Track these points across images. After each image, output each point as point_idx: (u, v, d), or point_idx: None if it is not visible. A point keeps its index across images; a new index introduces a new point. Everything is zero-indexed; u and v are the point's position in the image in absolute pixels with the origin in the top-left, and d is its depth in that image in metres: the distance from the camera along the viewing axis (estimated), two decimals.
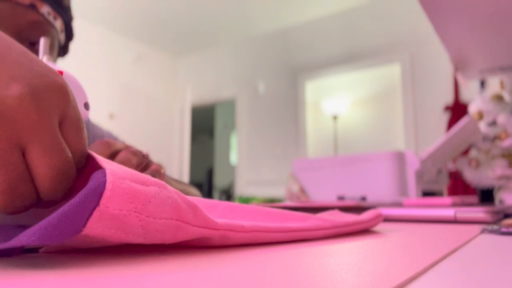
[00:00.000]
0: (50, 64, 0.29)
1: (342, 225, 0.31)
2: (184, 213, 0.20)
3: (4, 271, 0.15)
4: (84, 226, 0.16)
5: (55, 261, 0.18)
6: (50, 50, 0.58)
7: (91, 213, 0.16)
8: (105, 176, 0.17)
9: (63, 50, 0.66)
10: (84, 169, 0.21)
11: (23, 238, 0.16)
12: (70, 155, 0.19)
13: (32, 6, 0.54)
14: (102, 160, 0.19)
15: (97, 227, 0.17)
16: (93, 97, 3.91)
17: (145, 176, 0.19)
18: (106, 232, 0.17)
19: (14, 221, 0.21)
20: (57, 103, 0.19)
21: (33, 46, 0.55)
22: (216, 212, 0.28)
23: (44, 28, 0.56)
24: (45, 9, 0.56)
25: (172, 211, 0.19)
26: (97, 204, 0.16)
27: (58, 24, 0.59)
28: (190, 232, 0.20)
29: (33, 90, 0.18)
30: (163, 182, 0.20)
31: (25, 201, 0.18)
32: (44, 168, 0.18)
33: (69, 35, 0.65)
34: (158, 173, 0.36)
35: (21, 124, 0.17)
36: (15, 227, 0.19)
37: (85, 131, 0.21)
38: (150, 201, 0.18)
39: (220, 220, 0.22)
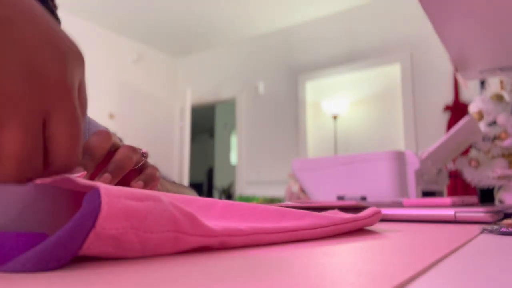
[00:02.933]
0: None
1: (339, 222, 0.30)
2: (181, 224, 0.19)
3: (2, 271, 0.15)
4: (80, 248, 0.16)
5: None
6: None
7: (87, 235, 0.16)
8: (99, 196, 0.17)
9: None
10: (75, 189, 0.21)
11: (17, 266, 0.15)
12: (82, 125, 0.19)
13: None
14: (90, 183, 0.18)
15: (93, 248, 0.16)
16: (93, 97, 3.91)
17: (139, 191, 0.19)
18: (103, 250, 0.17)
19: (15, 226, 0.21)
20: (78, 71, 0.19)
21: None
22: (213, 212, 0.28)
23: None
24: None
25: (169, 223, 0.19)
26: (93, 226, 0.16)
27: None
28: (189, 242, 0.20)
29: (63, 57, 0.18)
30: (158, 196, 0.19)
31: (35, 174, 0.18)
32: (63, 138, 0.18)
33: None
34: (153, 177, 0.35)
35: (51, 90, 0.17)
36: (15, 236, 0.19)
37: (87, 97, 0.21)
38: (146, 218, 0.18)
39: (217, 226, 0.22)
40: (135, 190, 0.19)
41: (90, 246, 0.16)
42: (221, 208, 0.29)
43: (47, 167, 0.19)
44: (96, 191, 0.17)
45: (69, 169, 0.19)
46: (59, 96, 0.17)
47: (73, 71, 0.18)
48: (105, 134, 0.32)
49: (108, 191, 0.17)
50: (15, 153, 0.17)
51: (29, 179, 0.18)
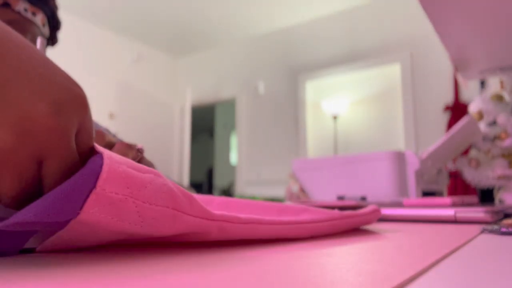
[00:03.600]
0: None
1: (338, 217, 0.30)
2: (180, 202, 0.20)
3: (2, 271, 0.15)
4: (81, 208, 0.16)
5: (52, 261, 0.18)
6: None
7: (87, 195, 0.16)
8: (102, 159, 0.17)
9: (51, 40, 0.63)
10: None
11: (19, 216, 0.16)
12: (78, 160, 0.20)
13: (6, 5, 0.52)
14: (99, 147, 0.19)
15: (93, 212, 0.17)
16: (93, 97, 3.91)
17: (140, 165, 0.19)
18: (103, 218, 0.17)
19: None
20: (77, 116, 0.19)
21: None
22: (211, 207, 0.28)
23: (22, 27, 0.53)
24: (21, 6, 0.53)
25: (168, 198, 0.19)
26: (94, 186, 0.16)
27: (39, 19, 0.56)
28: (187, 222, 0.20)
29: (58, 108, 0.18)
30: (158, 171, 0.20)
31: (31, 198, 0.19)
32: (56, 176, 0.19)
33: (55, 25, 0.62)
34: (152, 166, 0.36)
35: (44, 141, 0.18)
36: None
37: (93, 136, 0.21)
38: (146, 187, 0.18)
39: (216, 212, 0.22)
40: (136, 163, 0.19)
41: (90, 208, 0.16)
42: (220, 202, 0.29)
43: None
44: (99, 154, 0.18)
45: None
46: (53, 144, 0.18)
47: (68, 117, 0.19)
48: (98, 134, 0.33)
49: (111, 156, 0.18)
50: (12, 198, 0.18)
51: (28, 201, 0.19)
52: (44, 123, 0.18)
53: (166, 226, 0.19)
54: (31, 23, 0.55)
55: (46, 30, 0.60)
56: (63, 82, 0.19)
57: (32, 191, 0.18)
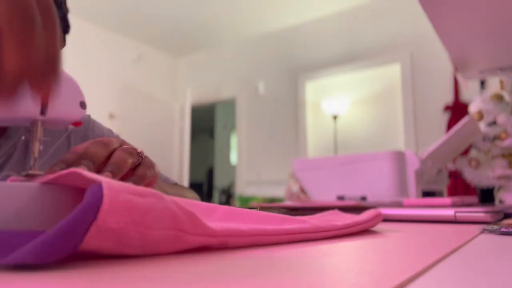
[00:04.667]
0: None
1: (341, 227, 0.30)
2: (182, 223, 0.20)
3: (1, 271, 0.15)
4: (81, 241, 0.16)
5: (51, 265, 0.18)
6: None
7: (88, 228, 0.16)
8: (101, 190, 0.17)
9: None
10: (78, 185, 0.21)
11: (20, 256, 0.15)
12: (41, 40, 0.20)
13: None
14: (96, 176, 0.19)
15: (94, 242, 0.16)
16: (93, 97, 3.91)
17: (141, 188, 0.19)
18: (104, 245, 0.17)
19: (15, 223, 0.21)
20: None
21: None
22: (215, 216, 0.28)
23: None
24: None
25: (170, 221, 0.19)
26: (94, 218, 0.16)
27: None
28: (189, 241, 0.20)
29: None
30: (159, 193, 0.19)
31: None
32: (12, 49, 0.19)
33: (65, 28, 0.63)
34: (142, 177, 0.35)
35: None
36: (15, 235, 0.19)
37: (58, 23, 0.22)
38: (147, 213, 0.18)
39: (218, 227, 0.22)
40: (137, 187, 0.19)
41: (91, 239, 0.16)
42: (223, 212, 0.29)
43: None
44: (98, 185, 0.17)
45: (20, 79, 0.19)
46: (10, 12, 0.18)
47: None
48: (101, 143, 0.33)
49: (110, 185, 0.17)
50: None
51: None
52: None
53: (167, 246, 0.19)
54: None
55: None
56: None
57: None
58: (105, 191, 0.17)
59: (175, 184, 0.78)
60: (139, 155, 0.35)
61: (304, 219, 0.31)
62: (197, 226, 0.20)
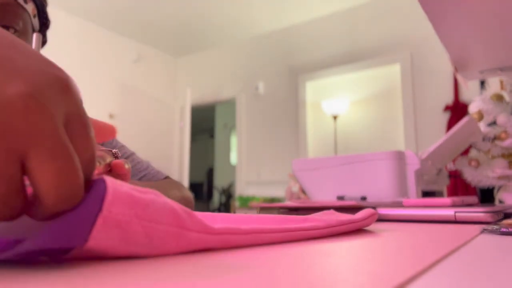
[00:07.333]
0: None
1: (336, 224, 0.31)
2: (182, 219, 0.20)
3: (1, 271, 0.15)
4: (89, 234, 0.16)
5: (52, 261, 0.18)
6: (25, 35, 0.55)
7: (95, 220, 0.16)
8: (105, 182, 0.17)
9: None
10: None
11: (27, 244, 0.15)
12: (77, 159, 0.17)
13: None
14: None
15: (101, 238, 0.17)
16: (93, 97, 3.91)
17: (140, 187, 0.19)
18: (110, 244, 0.17)
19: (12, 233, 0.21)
20: (61, 101, 0.17)
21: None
22: (215, 223, 0.29)
23: (14, 10, 0.53)
24: None
25: (171, 216, 0.19)
26: (100, 209, 0.16)
27: (30, 8, 0.56)
28: (192, 239, 0.20)
29: (34, 89, 0.16)
30: (158, 192, 0.20)
31: (14, 213, 0.16)
32: (49, 176, 0.16)
33: (44, 22, 0.61)
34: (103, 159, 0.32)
35: (22, 130, 0.15)
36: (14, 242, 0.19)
37: (92, 130, 0.18)
38: (148, 206, 0.18)
39: (216, 226, 0.22)
40: (137, 186, 0.19)
41: (98, 234, 0.16)
42: (223, 218, 0.30)
43: (35, 208, 0.17)
44: (101, 179, 0.17)
45: (60, 208, 0.17)
46: (33, 132, 0.15)
47: (48, 99, 0.16)
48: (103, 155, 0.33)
49: (112, 180, 0.18)
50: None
51: (11, 218, 0.17)
52: (20, 108, 0.15)
53: (172, 245, 0.20)
54: (23, 9, 0.55)
55: (36, 23, 0.59)
56: (38, 63, 0.17)
57: (15, 195, 0.16)
58: (108, 183, 0.17)
59: (166, 177, 0.77)
60: (115, 155, 0.35)
61: (303, 218, 0.32)
62: (196, 222, 0.21)
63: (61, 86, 0.17)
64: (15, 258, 0.16)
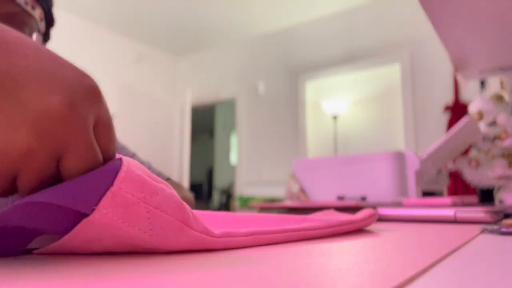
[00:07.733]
0: None
1: (336, 224, 0.31)
2: (187, 216, 0.20)
3: (1, 271, 0.15)
4: (96, 204, 0.17)
5: (52, 261, 0.18)
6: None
7: (105, 192, 0.17)
8: (121, 161, 0.18)
9: (44, 38, 0.63)
10: None
11: (38, 196, 0.16)
12: (101, 158, 0.19)
13: None
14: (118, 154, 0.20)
15: (106, 212, 0.17)
16: None
17: (154, 175, 0.20)
18: (114, 221, 0.18)
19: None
20: (93, 108, 0.19)
21: None
22: (216, 222, 0.29)
23: (22, 19, 0.53)
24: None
25: (177, 209, 0.20)
26: (111, 183, 0.17)
27: (37, 13, 0.56)
28: (192, 237, 0.21)
29: (72, 100, 0.18)
30: (168, 184, 0.21)
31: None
32: (75, 171, 0.18)
33: (49, 21, 0.62)
34: None
35: (61, 136, 0.18)
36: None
37: (115, 131, 0.21)
38: (158, 193, 0.19)
39: (216, 230, 0.23)
40: (151, 173, 0.20)
41: (104, 207, 0.17)
42: (223, 217, 0.30)
43: None
44: (119, 159, 0.19)
45: None
46: (71, 138, 0.18)
47: (83, 108, 0.18)
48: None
49: (129, 160, 0.19)
50: (30, 192, 0.18)
51: None
52: (61, 118, 0.17)
53: (172, 238, 0.20)
54: (31, 16, 0.55)
55: (42, 26, 0.59)
56: (73, 74, 0.19)
57: (51, 185, 0.18)
58: (124, 162, 0.18)
59: (168, 179, 0.78)
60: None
61: (302, 218, 0.32)
62: (198, 223, 0.21)
63: (94, 94, 0.19)
64: (25, 208, 0.17)
